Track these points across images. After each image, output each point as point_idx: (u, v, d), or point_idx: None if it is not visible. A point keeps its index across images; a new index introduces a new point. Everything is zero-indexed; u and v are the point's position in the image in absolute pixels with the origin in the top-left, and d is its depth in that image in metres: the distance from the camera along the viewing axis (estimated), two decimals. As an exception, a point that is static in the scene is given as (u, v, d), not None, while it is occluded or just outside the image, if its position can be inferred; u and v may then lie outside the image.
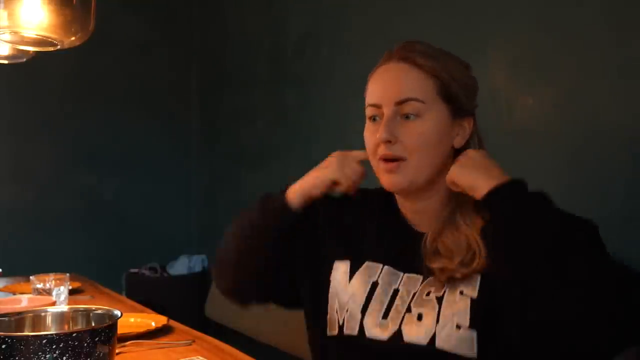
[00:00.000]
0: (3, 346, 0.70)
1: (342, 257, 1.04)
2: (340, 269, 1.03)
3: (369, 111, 0.99)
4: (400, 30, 2.01)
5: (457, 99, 0.96)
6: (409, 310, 0.94)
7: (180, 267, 3.26)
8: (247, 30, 3.06)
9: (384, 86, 0.97)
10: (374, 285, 0.98)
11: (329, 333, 1.02)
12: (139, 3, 3.40)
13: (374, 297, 0.97)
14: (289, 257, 1.08)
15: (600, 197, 1.40)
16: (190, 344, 1.23)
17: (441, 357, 0.89)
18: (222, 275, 1.15)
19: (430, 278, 0.94)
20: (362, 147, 1.06)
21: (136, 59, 3.38)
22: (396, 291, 0.96)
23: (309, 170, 1.10)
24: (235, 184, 3.12)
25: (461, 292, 0.90)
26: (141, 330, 1.29)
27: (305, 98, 2.55)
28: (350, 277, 1.01)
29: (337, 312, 1.01)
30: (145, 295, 2.77)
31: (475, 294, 0.90)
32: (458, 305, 0.90)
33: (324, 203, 1.10)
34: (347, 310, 0.99)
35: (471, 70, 1.01)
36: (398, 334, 0.93)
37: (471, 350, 0.88)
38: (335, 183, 1.06)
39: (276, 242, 1.07)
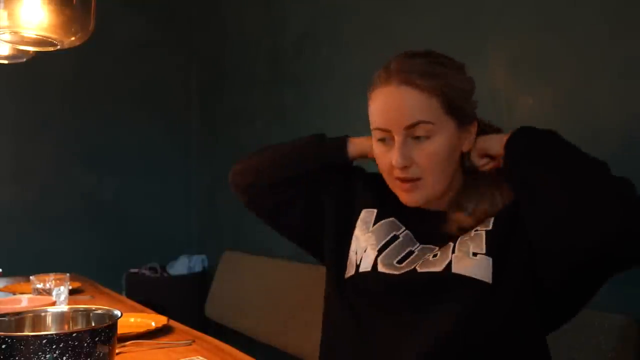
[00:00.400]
0: (3, 346, 0.70)
1: (370, 206, 1.09)
2: (366, 214, 1.08)
3: (377, 134, 1.01)
4: (399, 31, 2.01)
5: (461, 109, 0.99)
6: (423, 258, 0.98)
7: (180, 267, 3.27)
8: (246, 30, 3.06)
9: (389, 111, 0.98)
10: (395, 237, 1.03)
11: (346, 276, 1.05)
12: (139, 3, 3.40)
13: (392, 245, 1.02)
14: (317, 199, 1.14)
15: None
16: (190, 344, 1.23)
17: (457, 281, 0.91)
18: (244, 174, 1.22)
19: (444, 248, 0.98)
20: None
21: (136, 59, 3.39)
22: (411, 252, 1.01)
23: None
24: (235, 184, 3.12)
25: (476, 230, 0.95)
26: (141, 330, 1.28)
27: (304, 98, 2.55)
28: (375, 223, 1.06)
29: (356, 253, 1.05)
30: (145, 295, 2.78)
31: (489, 227, 0.94)
32: (474, 237, 0.94)
33: (360, 172, 1.18)
34: (365, 250, 1.03)
35: (466, 69, 1.02)
36: (411, 270, 0.97)
37: (487, 276, 0.91)
38: None
39: (314, 171, 1.14)
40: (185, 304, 2.95)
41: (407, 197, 1.00)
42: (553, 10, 1.52)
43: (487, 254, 0.92)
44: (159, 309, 1.62)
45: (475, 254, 0.92)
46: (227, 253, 2.94)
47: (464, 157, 1.04)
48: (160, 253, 3.33)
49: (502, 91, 1.64)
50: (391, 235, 1.03)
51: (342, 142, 1.14)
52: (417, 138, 0.97)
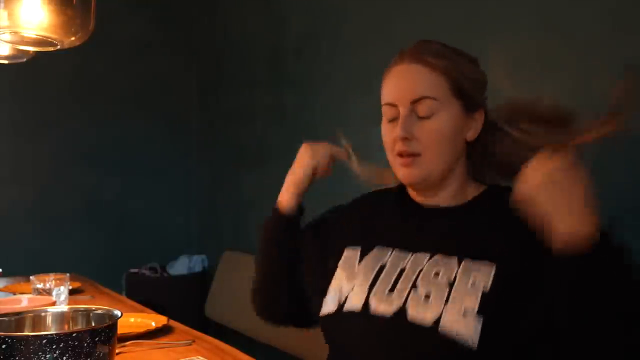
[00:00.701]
0: (3, 346, 0.70)
1: (353, 244, 1.08)
2: (350, 254, 1.07)
3: (385, 110, 1.02)
4: (399, 31, 2.01)
5: (469, 94, 0.99)
6: (414, 286, 0.94)
7: (180, 267, 3.27)
8: (246, 30, 3.06)
9: (398, 86, 1.00)
10: (382, 267, 1.01)
11: (324, 312, 1.03)
12: (140, 3, 3.40)
13: (381, 277, 1.00)
14: (301, 263, 1.17)
15: (600, 197, 1.40)
16: (190, 344, 1.23)
17: (443, 341, 0.89)
18: (254, 300, 1.25)
19: (437, 255, 0.96)
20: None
21: (136, 59, 3.38)
22: (402, 270, 0.98)
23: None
24: (235, 184, 3.12)
25: (473, 284, 0.90)
26: (141, 330, 1.29)
27: (304, 98, 2.55)
28: (360, 260, 1.05)
29: (340, 291, 1.03)
30: (145, 295, 2.78)
31: (488, 285, 0.90)
32: (469, 293, 0.90)
33: (335, 212, 1.20)
34: (352, 288, 1.01)
35: (479, 64, 1.04)
36: (402, 311, 0.93)
37: (474, 340, 0.87)
38: (313, 173, 1.18)
39: (286, 248, 1.18)
40: (185, 304, 2.95)
41: (406, 172, 0.99)
42: (553, 10, 1.52)
43: (480, 312, 0.88)
44: (159, 309, 1.62)
45: (466, 313, 0.88)
46: (227, 253, 2.94)
47: (469, 146, 1.03)
48: (160, 253, 3.33)
49: (502, 91, 1.64)
50: (378, 267, 1.01)
51: (273, 211, 1.20)
52: (422, 117, 0.97)
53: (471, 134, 1.02)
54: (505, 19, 1.65)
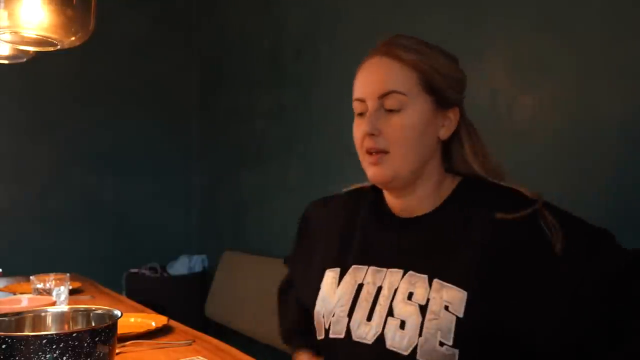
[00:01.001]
0: (3, 346, 0.70)
1: (332, 266, 1.06)
2: (330, 276, 1.05)
3: (355, 106, 1.00)
4: (399, 31, 2.00)
5: (441, 90, 0.96)
6: (390, 313, 0.93)
7: (180, 267, 3.27)
8: (246, 30, 3.07)
9: (367, 81, 0.98)
10: (360, 287, 0.99)
11: (318, 336, 1.04)
12: (139, 3, 3.40)
13: (359, 299, 0.98)
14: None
15: (600, 197, 1.40)
16: (190, 344, 1.23)
17: None
18: None
19: (410, 272, 0.94)
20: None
21: (136, 59, 3.39)
22: (380, 288, 0.97)
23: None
24: (235, 184, 3.13)
25: (446, 308, 0.88)
26: (141, 330, 1.29)
27: (304, 98, 2.55)
28: (339, 283, 1.03)
29: (324, 316, 1.03)
30: (145, 295, 2.78)
31: (461, 313, 0.87)
32: (443, 320, 0.88)
33: (314, 212, 1.18)
34: (333, 315, 1.00)
35: (458, 63, 1.00)
36: (381, 338, 0.93)
37: None
38: None
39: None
40: (185, 304, 2.95)
41: (374, 170, 0.96)
42: (553, 10, 1.52)
43: (454, 346, 0.86)
44: (159, 309, 1.62)
45: (442, 344, 0.87)
46: (227, 253, 2.94)
47: (444, 145, 1.00)
48: (160, 253, 3.33)
49: (502, 91, 1.64)
50: (356, 287, 1.00)
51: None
52: (390, 110, 0.94)
53: (444, 132, 0.98)
54: (505, 19, 1.65)
